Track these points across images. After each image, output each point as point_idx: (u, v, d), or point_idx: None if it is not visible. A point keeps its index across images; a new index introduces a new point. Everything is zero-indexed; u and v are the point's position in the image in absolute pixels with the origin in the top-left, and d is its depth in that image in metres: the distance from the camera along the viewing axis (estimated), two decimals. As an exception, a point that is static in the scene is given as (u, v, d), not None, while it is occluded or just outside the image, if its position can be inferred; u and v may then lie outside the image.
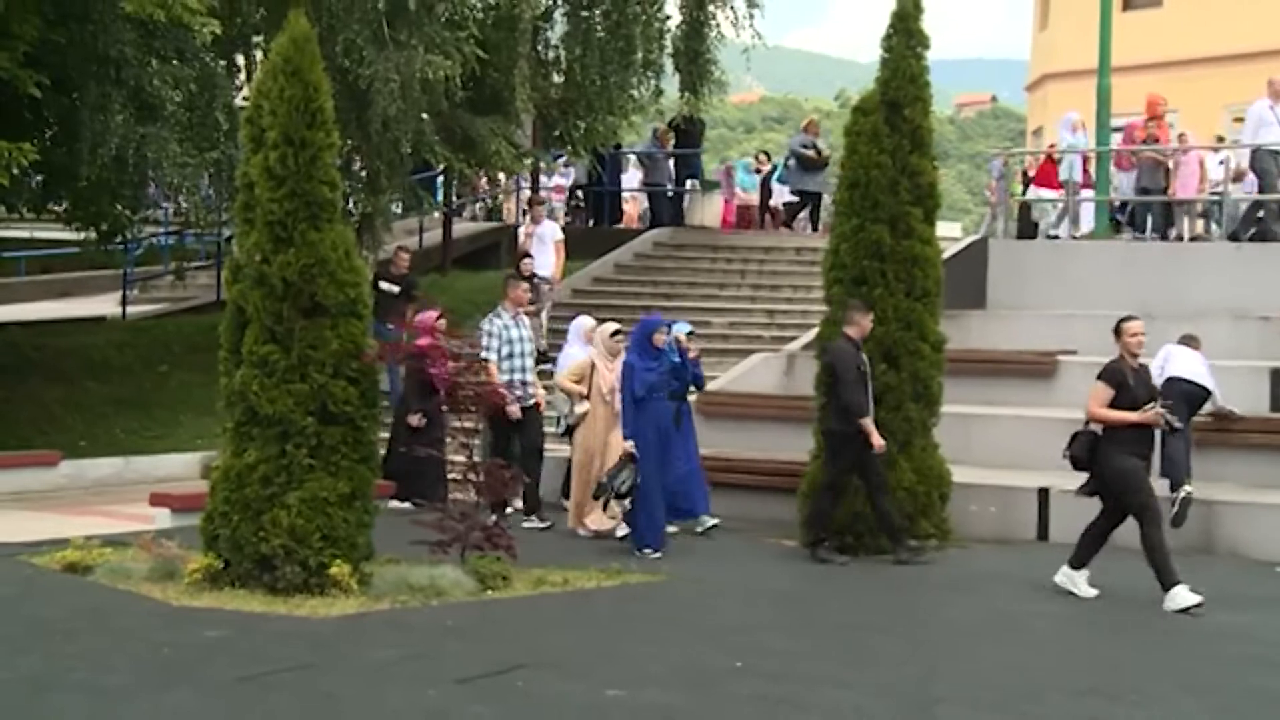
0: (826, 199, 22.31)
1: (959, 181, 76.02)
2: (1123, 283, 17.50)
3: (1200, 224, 20.12)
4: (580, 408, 13.17)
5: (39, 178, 17.37)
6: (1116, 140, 21.08)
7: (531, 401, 13.74)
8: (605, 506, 12.67)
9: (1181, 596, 10.10)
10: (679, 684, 7.86)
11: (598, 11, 20.76)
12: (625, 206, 26.95)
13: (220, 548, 9.97)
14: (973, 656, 8.87)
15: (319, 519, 9.76)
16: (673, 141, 24.60)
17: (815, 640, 9.25)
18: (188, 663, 8.02)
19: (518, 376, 13.51)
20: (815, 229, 22.89)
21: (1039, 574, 11.12)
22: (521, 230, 19.96)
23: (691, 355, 12.13)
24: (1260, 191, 18.53)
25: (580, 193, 26.76)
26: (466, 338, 12.30)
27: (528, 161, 22.01)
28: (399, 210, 22.80)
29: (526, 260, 18.15)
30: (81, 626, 8.94)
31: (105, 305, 23.53)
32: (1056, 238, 20.66)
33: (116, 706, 7.22)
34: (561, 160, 26.74)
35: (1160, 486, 11.84)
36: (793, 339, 17.65)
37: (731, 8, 21.32)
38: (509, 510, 13.14)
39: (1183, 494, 12.55)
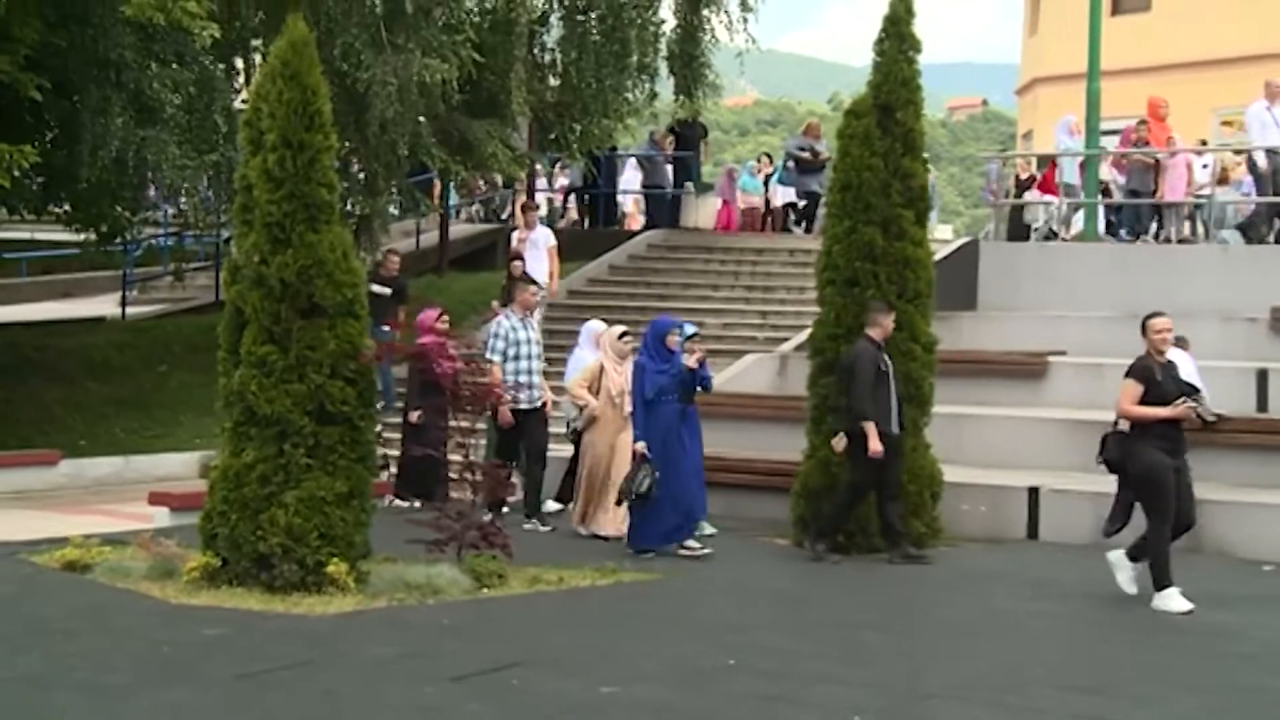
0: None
1: (950, 184, 75.98)
2: (1112, 284, 17.59)
3: (1187, 226, 20.20)
4: (589, 410, 13.21)
5: (40, 180, 17.41)
6: (1114, 143, 21.17)
7: (539, 403, 13.77)
8: (626, 508, 12.51)
9: (1172, 600, 10.11)
10: (674, 681, 7.90)
11: (593, 15, 20.83)
12: (627, 209, 26.99)
13: (219, 546, 10.03)
14: (967, 654, 8.89)
15: (316, 518, 9.82)
16: (672, 145, 24.66)
17: (810, 638, 9.26)
18: (187, 661, 8.07)
19: (523, 378, 13.52)
20: (809, 230, 22.95)
21: (1031, 572, 11.18)
22: (515, 235, 20.01)
23: (696, 358, 12.12)
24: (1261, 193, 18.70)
25: (574, 195, 26.80)
26: (463, 337, 12.35)
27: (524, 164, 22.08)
28: (396, 212, 22.88)
29: (516, 263, 18.20)
30: (81, 625, 8.98)
31: (105, 306, 23.60)
32: (1056, 236, 20.66)
33: (116, 705, 7.26)
34: (560, 163, 26.80)
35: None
36: (786, 340, 17.72)
37: (725, 12, 21.43)
38: (505, 509, 13.19)
39: None
